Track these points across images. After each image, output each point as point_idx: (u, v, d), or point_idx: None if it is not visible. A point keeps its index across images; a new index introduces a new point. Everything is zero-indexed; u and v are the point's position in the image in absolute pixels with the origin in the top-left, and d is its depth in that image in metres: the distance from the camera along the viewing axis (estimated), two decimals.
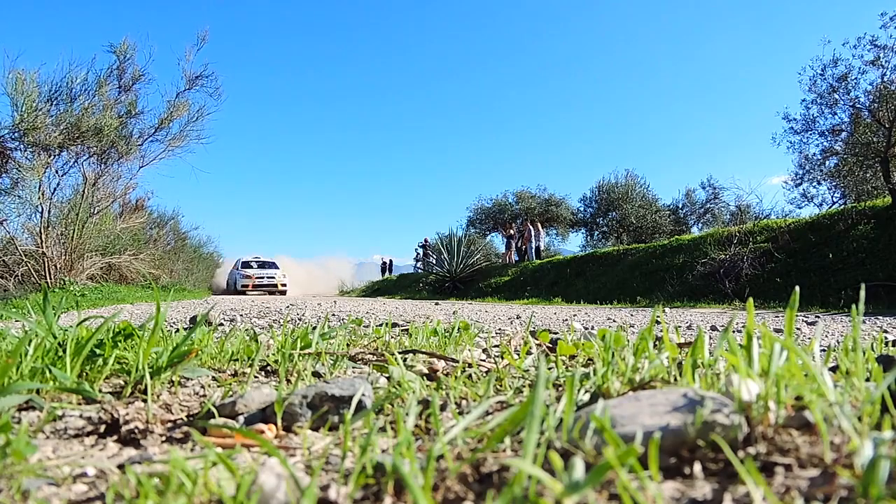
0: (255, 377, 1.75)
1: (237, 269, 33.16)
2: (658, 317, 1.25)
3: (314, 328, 2.36)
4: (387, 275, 41.16)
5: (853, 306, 1.07)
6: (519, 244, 29.25)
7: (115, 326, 1.58)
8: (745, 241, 16.67)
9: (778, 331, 4.88)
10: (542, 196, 37.69)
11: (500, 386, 1.48)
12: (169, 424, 1.17)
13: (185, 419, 1.22)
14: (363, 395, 1.19)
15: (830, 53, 18.87)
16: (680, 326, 6.31)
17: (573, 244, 37.53)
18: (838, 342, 4.57)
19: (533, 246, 27.70)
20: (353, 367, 1.94)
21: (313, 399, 1.18)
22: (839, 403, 0.80)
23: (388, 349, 2.17)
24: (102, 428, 1.13)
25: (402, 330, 3.43)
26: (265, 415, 1.21)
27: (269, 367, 1.89)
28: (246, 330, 2.57)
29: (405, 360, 1.87)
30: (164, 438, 1.10)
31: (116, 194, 19.70)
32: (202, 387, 1.56)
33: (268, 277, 31.56)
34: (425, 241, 33.37)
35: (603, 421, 0.74)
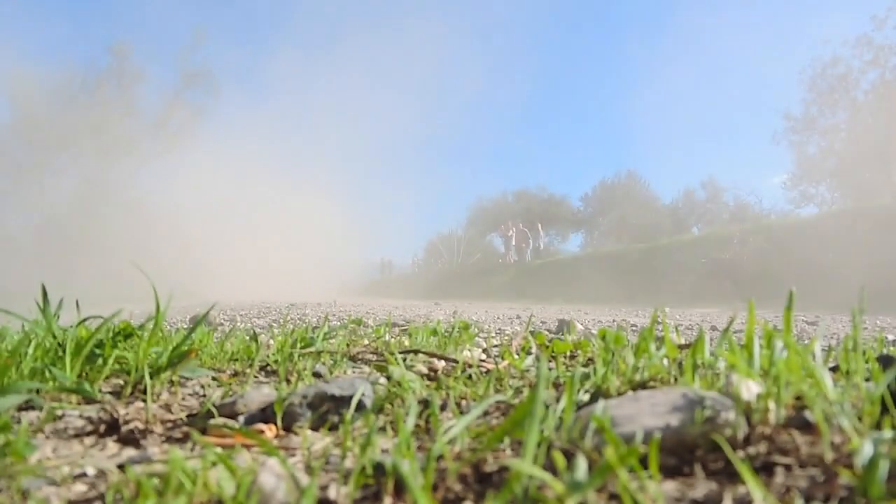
0: (255, 377, 1.75)
1: None
2: (658, 317, 1.26)
3: (314, 328, 2.37)
4: (386, 275, 41.15)
5: (853, 306, 1.07)
6: (518, 244, 29.23)
7: (114, 326, 1.58)
8: (745, 241, 16.67)
9: (778, 331, 4.86)
10: (542, 196, 37.76)
11: (500, 386, 1.48)
12: (169, 424, 1.17)
13: (185, 419, 1.22)
14: (363, 394, 1.19)
15: (830, 53, 18.90)
16: (680, 326, 6.31)
17: (573, 244, 37.58)
18: (838, 342, 4.57)
19: (531, 246, 27.71)
20: (353, 367, 1.94)
21: (313, 399, 1.18)
22: (839, 403, 0.80)
23: (388, 349, 2.17)
24: (102, 428, 1.13)
25: (402, 330, 3.43)
26: (265, 415, 1.21)
27: (268, 367, 1.89)
28: (246, 330, 2.57)
29: (405, 359, 1.87)
30: (163, 438, 1.09)
31: (116, 194, 19.76)
32: (202, 387, 1.56)
33: None
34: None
35: (603, 421, 0.74)
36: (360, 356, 2.10)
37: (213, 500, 0.73)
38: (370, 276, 41.17)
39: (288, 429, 1.15)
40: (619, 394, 1.12)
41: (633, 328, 5.75)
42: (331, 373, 1.79)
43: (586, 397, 1.13)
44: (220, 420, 1.17)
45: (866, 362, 1.22)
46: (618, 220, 32.94)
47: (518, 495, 0.64)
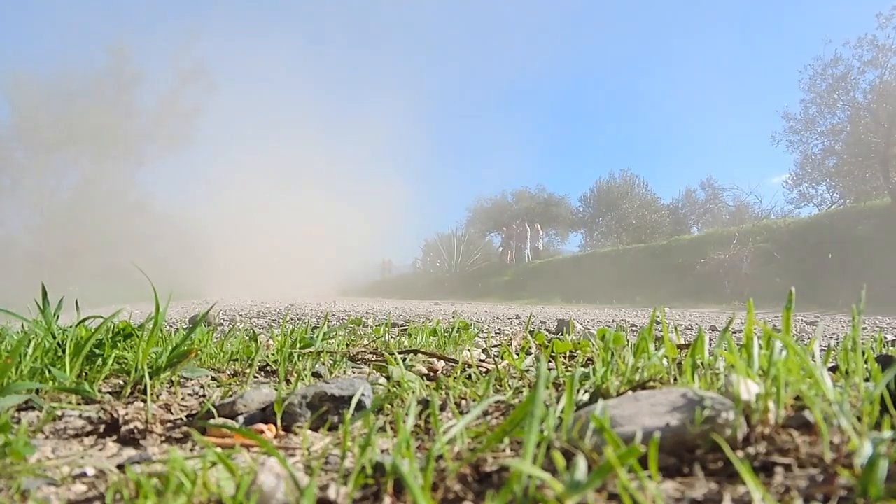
0: (255, 377, 1.75)
1: None
2: (658, 317, 1.26)
3: (314, 328, 2.37)
4: (386, 275, 41.14)
5: (853, 306, 1.07)
6: (517, 244, 29.18)
7: (114, 326, 1.58)
8: (745, 241, 16.67)
9: (777, 331, 4.87)
10: (541, 196, 37.77)
11: (500, 386, 1.48)
12: (168, 424, 1.17)
13: (185, 419, 1.22)
14: (363, 395, 1.19)
15: (831, 53, 18.88)
16: (680, 326, 6.31)
17: (573, 244, 37.56)
18: (838, 342, 4.57)
19: (530, 246, 27.70)
20: (353, 367, 1.94)
21: (313, 399, 1.18)
22: (839, 403, 0.80)
23: (388, 349, 2.17)
24: (102, 428, 1.13)
25: (402, 330, 3.43)
26: (265, 415, 1.21)
27: (268, 367, 1.89)
28: (245, 330, 2.57)
29: (405, 360, 1.87)
30: (163, 438, 1.09)
31: (116, 194, 19.76)
32: (202, 387, 1.56)
33: None
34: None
35: (603, 421, 0.74)
36: (359, 356, 2.10)
37: (213, 499, 0.73)
38: (370, 277, 41.13)
39: (288, 429, 1.15)
40: (619, 394, 1.12)
41: (633, 328, 5.75)
42: (330, 373, 1.79)
43: (586, 397, 1.13)
44: (219, 420, 1.17)
45: (865, 362, 1.22)
46: (617, 221, 32.95)
47: (518, 495, 0.64)
